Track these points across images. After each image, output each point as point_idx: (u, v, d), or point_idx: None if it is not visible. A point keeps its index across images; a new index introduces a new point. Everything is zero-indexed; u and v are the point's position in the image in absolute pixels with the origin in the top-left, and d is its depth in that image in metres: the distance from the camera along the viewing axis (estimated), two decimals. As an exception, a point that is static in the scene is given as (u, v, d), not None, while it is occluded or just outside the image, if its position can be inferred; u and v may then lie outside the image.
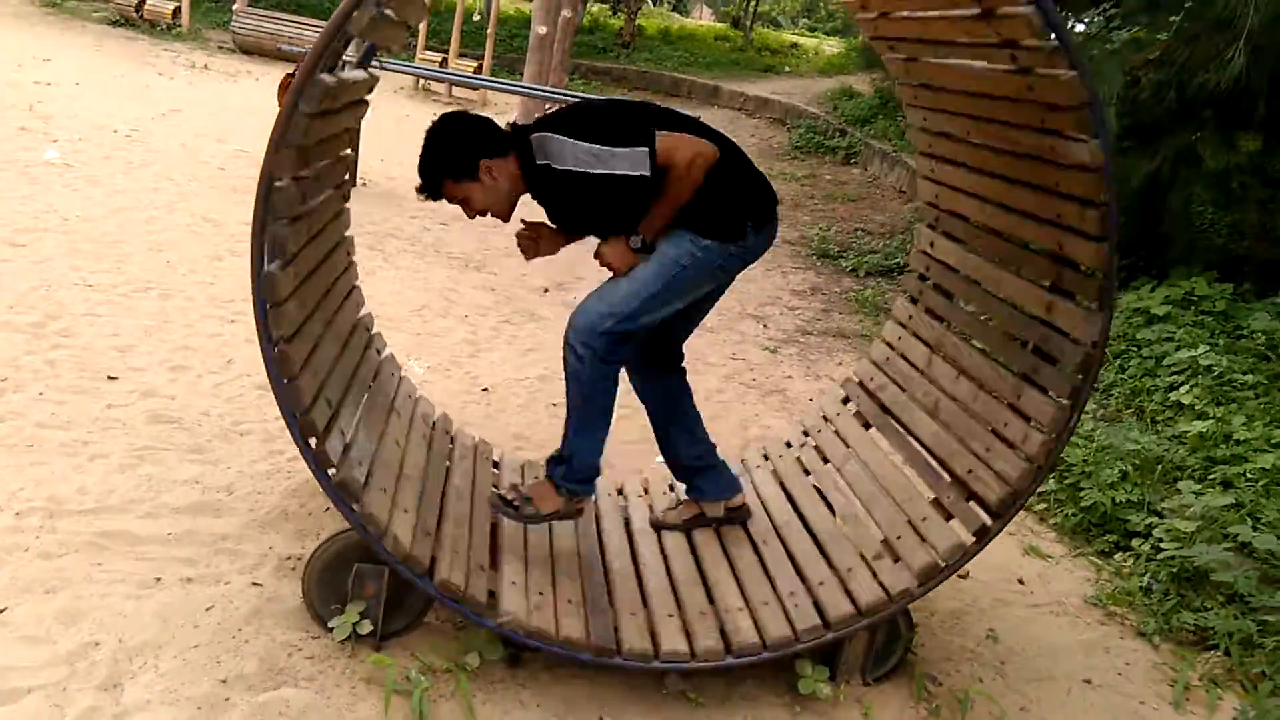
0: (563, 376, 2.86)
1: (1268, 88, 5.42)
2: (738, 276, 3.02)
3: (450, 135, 2.78)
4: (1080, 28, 7.31)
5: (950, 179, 3.31)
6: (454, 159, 2.76)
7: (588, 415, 2.86)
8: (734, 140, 2.95)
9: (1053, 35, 2.26)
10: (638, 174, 2.61)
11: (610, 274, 2.83)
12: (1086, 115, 2.35)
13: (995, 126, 2.83)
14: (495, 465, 3.48)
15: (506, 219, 2.89)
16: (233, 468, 3.52)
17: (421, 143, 2.79)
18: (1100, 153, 2.37)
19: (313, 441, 2.52)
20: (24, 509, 3.03)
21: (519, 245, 2.98)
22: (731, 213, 2.78)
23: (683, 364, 3.27)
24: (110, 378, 4.04)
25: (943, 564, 2.76)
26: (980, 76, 2.71)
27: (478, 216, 2.88)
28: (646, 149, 2.59)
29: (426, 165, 2.79)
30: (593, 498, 3.18)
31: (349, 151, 3.36)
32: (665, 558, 3.11)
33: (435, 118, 2.84)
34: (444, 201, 2.85)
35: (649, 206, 2.71)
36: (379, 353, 3.42)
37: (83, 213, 6.20)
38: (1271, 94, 5.65)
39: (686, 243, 2.75)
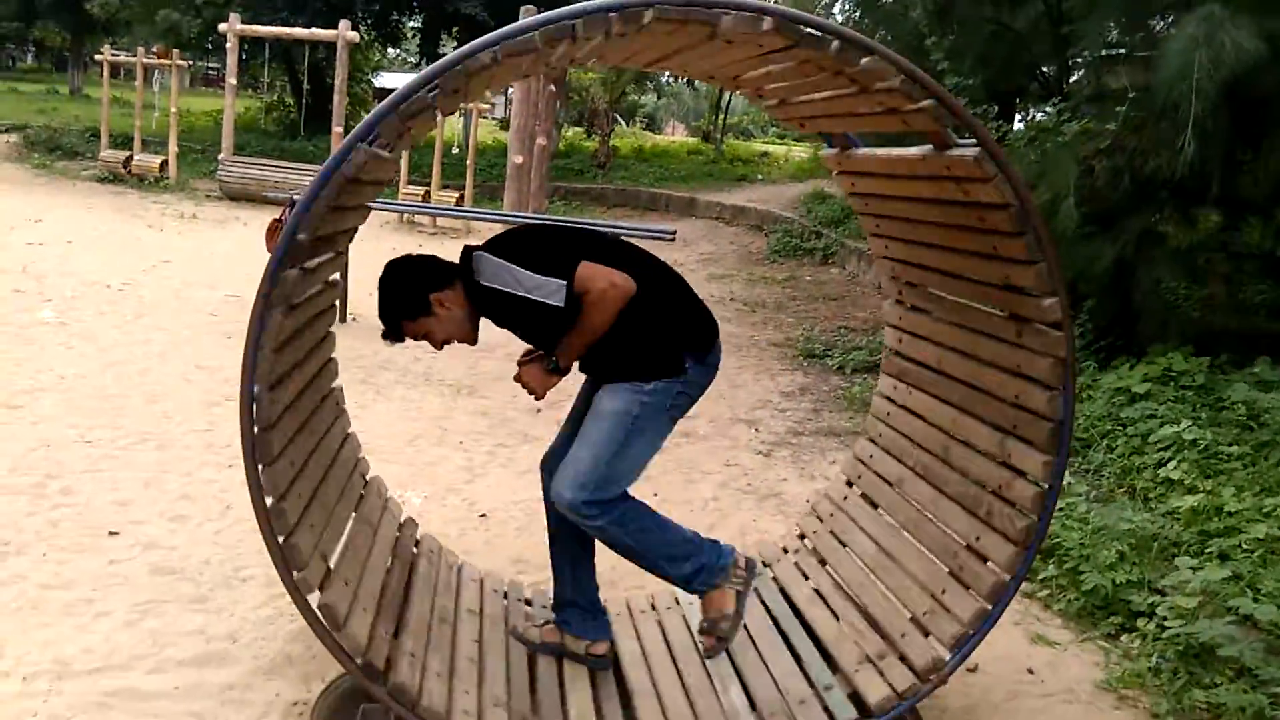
0: None
1: (1220, 168, 5.64)
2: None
3: (398, 280, 2.91)
4: (1034, 119, 7.61)
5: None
6: (406, 301, 2.89)
7: (653, 547, 2.88)
8: (674, 269, 3.05)
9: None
10: (553, 303, 2.71)
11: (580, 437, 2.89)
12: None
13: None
14: (527, 602, 3.50)
15: (473, 341, 3.01)
16: (236, 615, 3.53)
17: (376, 293, 2.93)
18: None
19: (313, 598, 2.57)
20: (31, 673, 3.04)
21: (527, 389, 2.97)
22: (666, 350, 2.84)
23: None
24: (112, 533, 4.08)
25: (948, 656, 2.78)
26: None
27: (444, 346, 2.98)
28: (564, 282, 2.69)
29: (384, 312, 2.92)
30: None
31: (337, 276, 3.48)
32: (678, 669, 3.13)
33: (383, 267, 2.97)
34: (409, 340, 2.96)
35: (542, 343, 2.84)
36: (368, 483, 3.48)
37: (79, 370, 6.31)
38: (1224, 172, 5.88)
39: (630, 393, 2.81)
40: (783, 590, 3.54)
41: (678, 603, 3.56)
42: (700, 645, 2.99)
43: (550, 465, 3.15)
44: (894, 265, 3.50)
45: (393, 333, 2.95)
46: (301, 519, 2.58)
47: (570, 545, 3.21)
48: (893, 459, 3.48)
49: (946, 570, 2.97)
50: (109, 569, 3.78)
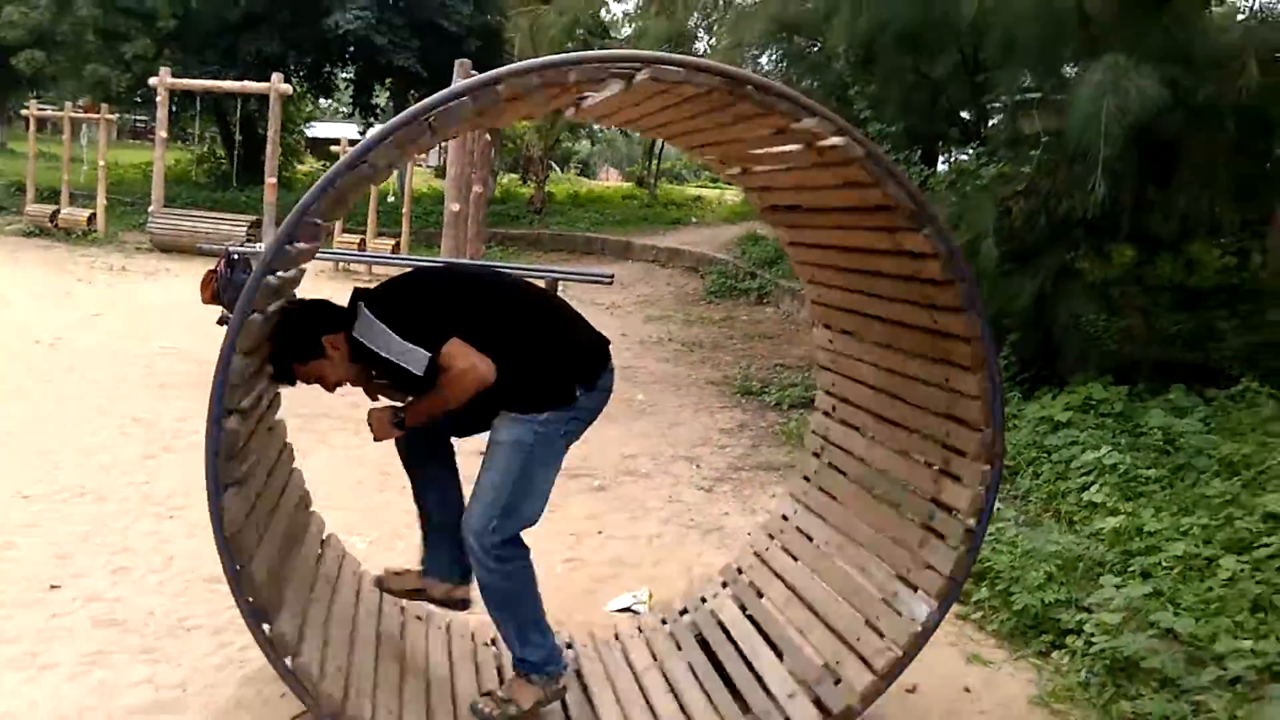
0: None
1: (1130, 206, 5.96)
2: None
3: (290, 322, 2.96)
4: (956, 161, 7.94)
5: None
6: (297, 343, 2.94)
7: (519, 613, 3.02)
8: (566, 303, 3.22)
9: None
10: (414, 370, 2.83)
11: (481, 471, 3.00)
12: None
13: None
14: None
15: (365, 385, 3.08)
16: (184, 664, 3.53)
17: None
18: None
19: (266, 628, 2.61)
20: (-25, 728, 3.02)
21: (372, 430, 3.10)
22: (555, 383, 2.97)
23: (453, 456, 3.36)
24: (53, 586, 4.04)
25: (881, 678, 2.90)
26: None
27: (336, 389, 3.05)
28: (429, 354, 2.81)
29: (275, 353, 2.95)
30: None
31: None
32: (620, 705, 3.20)
33: (274, 311, 3.01)
34: (301, 384, 3.03)
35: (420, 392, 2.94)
36: (319, 530, 3.52)
37: (10, 426, 6.21)
38: (1134, 210, 6.20)
39: (524, 424, 2.93)
40: (720, 623, 3.64)
41: (640, 631, 3.65)
42: (477, 706, 3.09)
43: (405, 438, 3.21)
44: (824, 310, 3.67)
45: (283, 375, 3.00)
46: (258, 552, 2.62)
47: (445, 492, 3.28)
48: (825, 494, 3.63)
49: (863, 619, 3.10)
50: (52, 622, 3.74)
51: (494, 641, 3.58)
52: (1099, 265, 6.86)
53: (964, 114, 9.26)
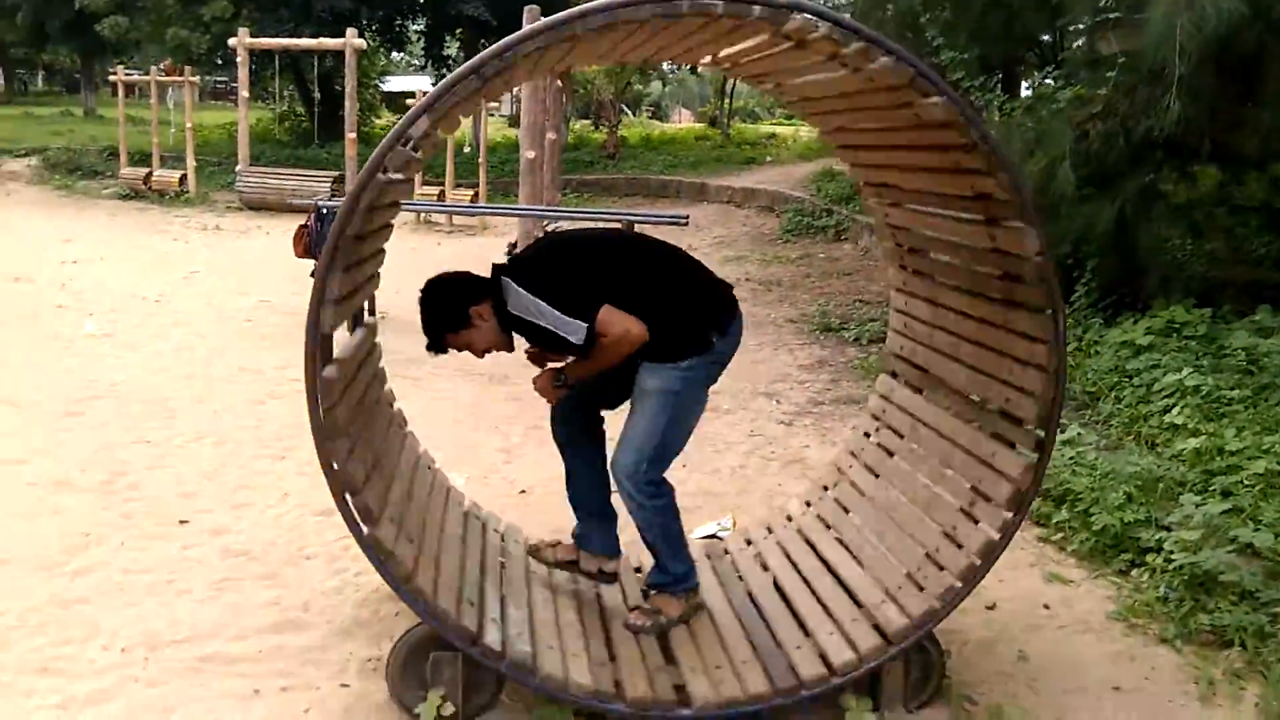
0: None
1: (1209, 125, 5.85)
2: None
3: (439, 295, 3.17)
4: (1040, 86, 7.81)
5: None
6: (447, 314, 3.15)
7: (670, 537, 3.30)
8: (691, 255, 3.36)
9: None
10: (572, 339, 3.02)
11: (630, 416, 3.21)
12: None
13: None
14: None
15: (510, 349, 3.29)
16: (305, 588, 3.83)
17: (418, 309, 3.18)
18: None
19: (368, 529, 2.85)
20: (126, 645, 3.35)
21: (541, 394, 3.32)
22: (693, 333, 3.14)
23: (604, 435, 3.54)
24: (181, 522, 4.39)
25: (959, 584, 3.03)
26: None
27: (485, 355, 3.26)
28: (586, 325, 2.99)
29: (428, 326, 3.18)
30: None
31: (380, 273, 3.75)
32: (710, 614, 3.40)
33: (422, 285, 3.22)
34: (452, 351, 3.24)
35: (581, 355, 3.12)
36: (426, 463, 3.77)
37: (128, 377, 6.64)
38: (1215, 129, 6.08)
39: (668, 371, 3.12)
40: (807, 540, 3.80)
41: (726, 553, 3.84)
42: (631, 616, 3.33)
43: (560, 415, 3.44)
44: (894, 232, 3.76)
45: (436, 345, 3.21)
46: (369, 480, 2.85)
47: (595, 468, 3.49)
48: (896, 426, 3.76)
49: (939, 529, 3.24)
50: (183, 554, 4.08)
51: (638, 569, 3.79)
52: (1182, 187, 6.74)
53: (1041, 38, 9.07)
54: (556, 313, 3.00)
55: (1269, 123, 6.17)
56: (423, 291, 3.20)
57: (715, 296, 3.27)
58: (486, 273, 3.21)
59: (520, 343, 3.30)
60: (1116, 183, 6.48)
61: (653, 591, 3.41)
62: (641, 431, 3.15)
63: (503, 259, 3.40)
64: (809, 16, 2.56)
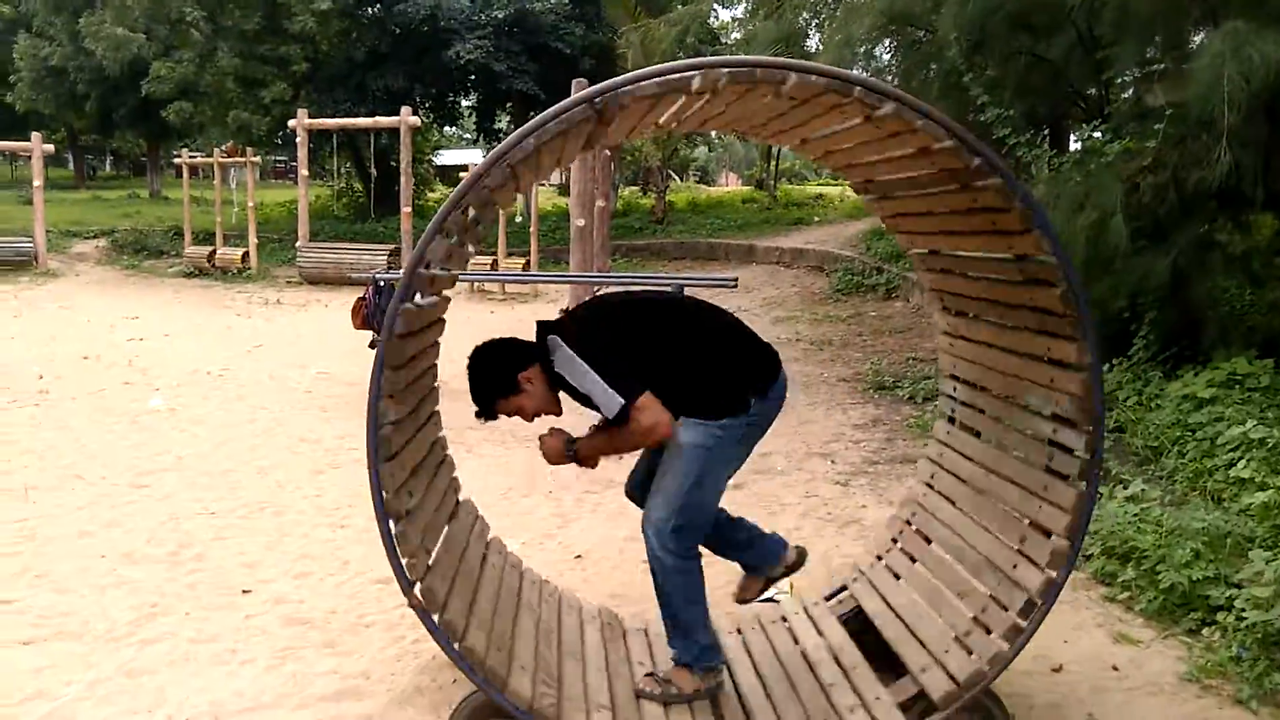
0: None
1: (1263, 172, 5.79)
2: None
3: (487, 363, 3.21)
4: (1089, 139, 7.80)
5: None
6: (497, 382, 3.19)
7: (686, 610, 3.24)
8: (734, 315, 3.37)
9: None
10: (608, 409, 3.02)
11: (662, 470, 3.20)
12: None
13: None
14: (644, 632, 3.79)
15: (559, 413, 3.29)
16: (365, 656, 3.87)
17: (467, 377, 3.22)
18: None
19: (436, 617, 2.88)
20: (192, 715, 3.40)
21: (543, 453, 3.31)
22: (732, 393, 3.15)
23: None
24: (245, 591, 4.47)
25: (1006, 646, 2.99)
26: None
27: (535, 419, 3.29)
28: (625, 402, 2.99)
29: (477, 394, 3.22)
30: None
31: (436, 363, 3.84)
32: (763, 681, 3.37)
33: (470, 353, 3.26)
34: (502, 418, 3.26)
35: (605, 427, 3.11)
36: (475, 524, 3.81)
37: (193, 450, 6.80)
38: (1268, 177, 6.01)
39: (702, 428, 3.11)
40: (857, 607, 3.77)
41: (783, 619, 3.81)
42: (642, 683, 3.31)
43: (632, 488, 3.51)
44: (941, 295, 3.78)
45: (486, 412, 3.24)
46: (423, 543, 2.90)
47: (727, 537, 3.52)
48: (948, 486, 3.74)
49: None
50: (246, 623, 4.15)
51: (645, 631, 3.79)
52: (1238, 237, 6.65)
53: (1087, 91, 9.07)
54: (600, 381, 3.01)
55: (1322, 170, 6.10)
56: (471, 359, 3.24)
57: (757, 359, 3.28)
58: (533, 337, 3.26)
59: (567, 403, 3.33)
60: (1170, 234, 6.42)
61: (672, 663, 3.37)
62: (671, 486, 3.14)
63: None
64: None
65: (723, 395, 3.15)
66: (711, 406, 3.13)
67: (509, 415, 3.26)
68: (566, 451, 3.21)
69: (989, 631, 3.08)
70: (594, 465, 3.30)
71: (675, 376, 3.09)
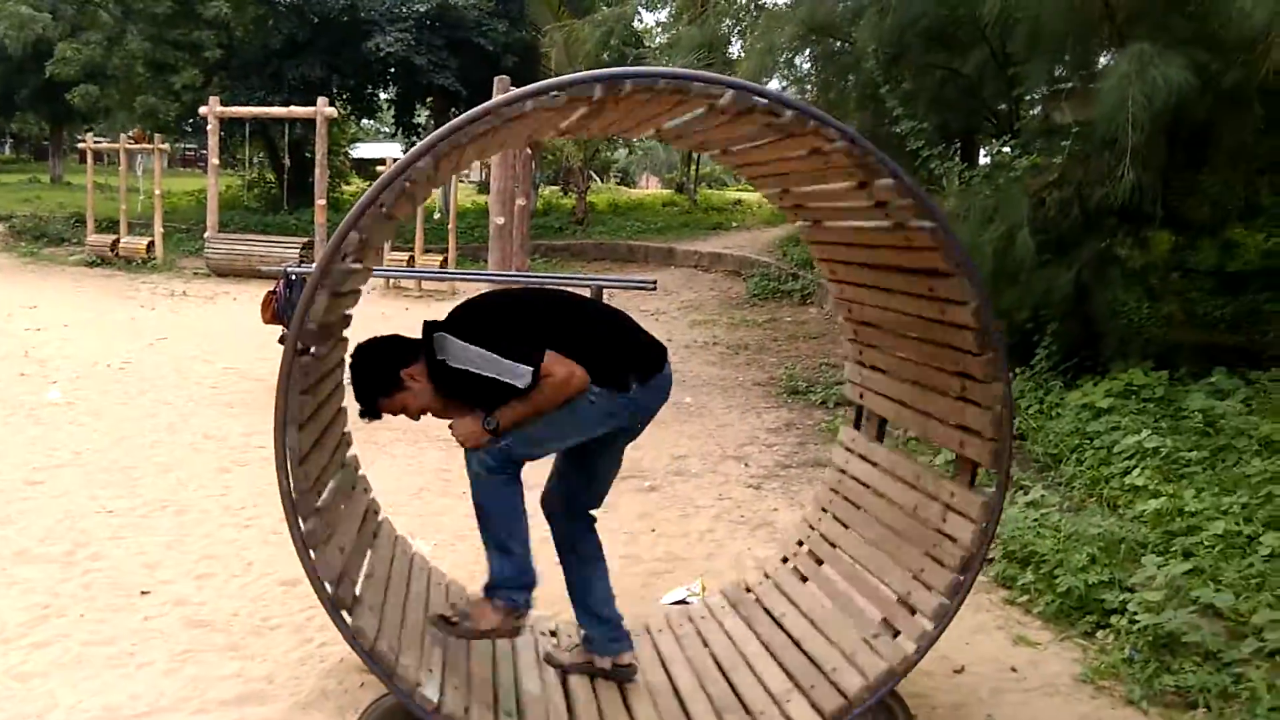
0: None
1: (1161, 193, 6.03)
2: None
3: (368, 361, 3.15)
4: (999, 154, 8.03)
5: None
6: (378, 379, 3.13)
7: (498, 526, 3.15)
8: (619, 310, 3.41)
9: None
10: (518, 384, 2.99)
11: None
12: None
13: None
14: (552, 633, 3.77)
15: (443, 413, 3.21)
16: (269, 659, 3.77)
17: (349, 375, 3.17)
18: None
19: (346, 616, 2.83)
20: (83, 719, 3.28)
21: (459, 439, 3.20)
22: (611, 367, 3.11)
23: (591, 519, 3.53)
24: (143, 592, 4.32)
25: (915, 653, 3.06)
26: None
27: (420, 417, 3.23)
28: (531, 369, 2.98)
29: (360, 392, 3.15)
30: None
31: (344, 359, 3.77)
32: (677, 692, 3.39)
33: (352, 351, 3.21)
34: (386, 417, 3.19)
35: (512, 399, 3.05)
36: (386, 531, 3.75)
37: (91, 445, 6.56)
38: (1168, 196, 6.27)
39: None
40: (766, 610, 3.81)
41: (690, 620, 3.84)
42: (431, 620, 3.22)
43: (549, 504, 3.48)
44: (850, 307, 3.85)
45: (369, 411, 3.18)
46: (330, 541, 2.85)
47: (579, 567, 3.47)
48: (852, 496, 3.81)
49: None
50: (144, 625, 4.01)
51: (553, 634, 3.78)
52: (1137, 252, 6.92)
53: (998, 107, 9.33)
54: (500, 359, 2.98)
55: (1217, 190, 6.37)
56: (352, 357, 3.17)
57: (641, 346, 3.28)
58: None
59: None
60: (1073, 249, 6.64)
61: (481, 597, 3.24)
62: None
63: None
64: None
65: (604, 367, 3.09)
66: (593, 373, 3.06)
67: (393, 414, 3.19)
68: (486, 425, 3.06)
69: (896, 634, 3.15)
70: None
71: (562, 349, 3.04)
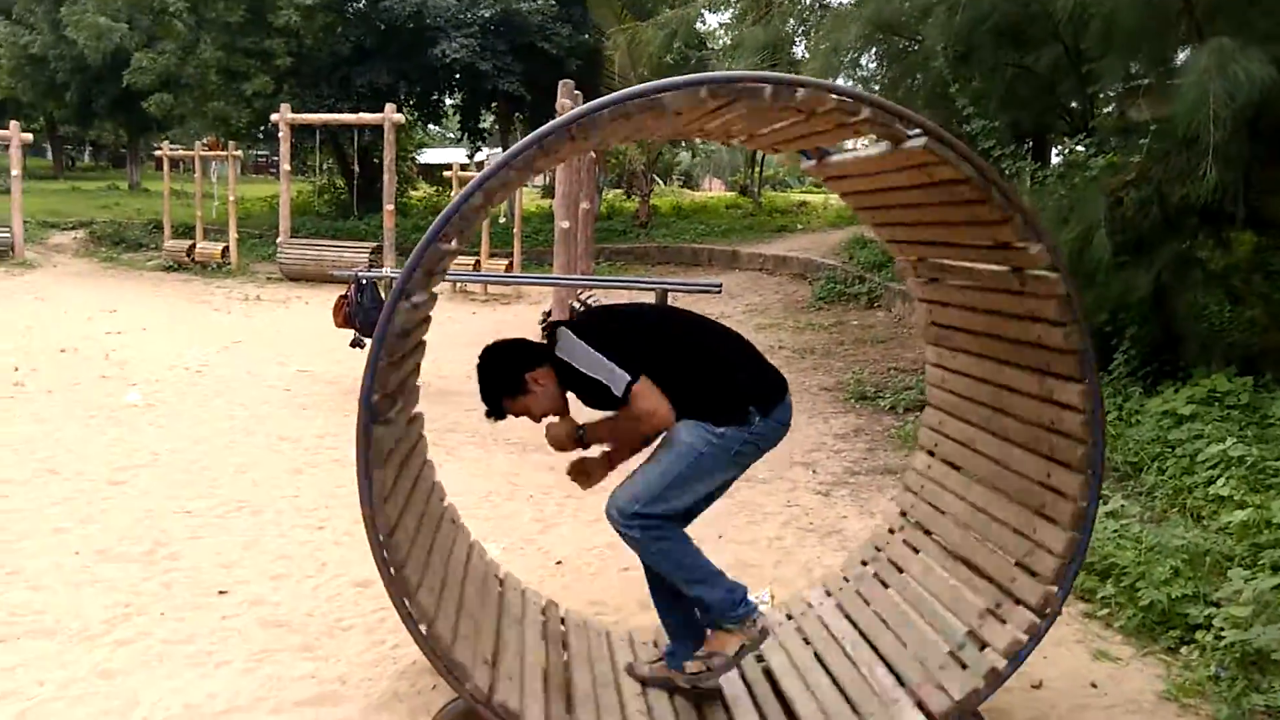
0: None
1: (1245, 189, 5.84)
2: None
3: (496, 363, 3.23)
4: (1072, 153, 7.85)
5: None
6: (505, 382, 3.21)
7: (684, 574, 3.18)
8: (743, 336, 3.40)
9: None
10: (613, 389, 3.03)
11: (648, 455, 3.19)
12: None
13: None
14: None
15: (566, 414, 3.31)
16: (343, 660, 3.82)
17: (476, 377, 3.24)
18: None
19: (423, 627, 2.85)
20: (165, 716, 3.35)
21: (573, 479, 3.40)
22: (732, 401, 3.13)
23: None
24: (221, 592, 4.41)
25: (1004, 664, 2.98)
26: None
27: (542, 419, 3.29)
28: (629, 378, 3.01)
29: (486, 394, 3.25)
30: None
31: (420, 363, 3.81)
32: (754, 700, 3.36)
33: (479, 353, 3.28)
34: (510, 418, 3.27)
35: (610, 411, 3.14)
36: (464, 535, 3.78)
37: (170, 446, 6.73)
38: (1251, 195, 6.06)
39: (702, 431, 3.10)
40: (847, 615, 3.75)
41: (810, 606, 3.82)
42: (689, 666, 3.24)
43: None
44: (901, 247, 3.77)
45: (495, 411, 3.27)
46: (410, 552, 2.87)
47: (665, 583, 3.43)
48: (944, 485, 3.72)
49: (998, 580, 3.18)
50: (222, 624, 4.09)
51: (655, 644, 3.76)
52: (1219, 253, 6.70)
53: (1072, 105, 9.13)
54: (603, 360, 3.03)
55: (1304, 189, 6.15)
56: (480, 359, 3.26)
57: (764, 375, 3.29)
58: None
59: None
60: (1153, 250, 6.46)
61: (708, 633, 3.30)
62: (651, 475, 3.10)
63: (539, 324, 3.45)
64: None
65: (725, 401, 3.13)
66: (713, 410, 3.11)
67: (516, 416, 3.27)
68: (575, 435, 3.23)
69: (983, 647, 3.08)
70: (604, 471, 3.34)
71: (680, 375, 3.10)
